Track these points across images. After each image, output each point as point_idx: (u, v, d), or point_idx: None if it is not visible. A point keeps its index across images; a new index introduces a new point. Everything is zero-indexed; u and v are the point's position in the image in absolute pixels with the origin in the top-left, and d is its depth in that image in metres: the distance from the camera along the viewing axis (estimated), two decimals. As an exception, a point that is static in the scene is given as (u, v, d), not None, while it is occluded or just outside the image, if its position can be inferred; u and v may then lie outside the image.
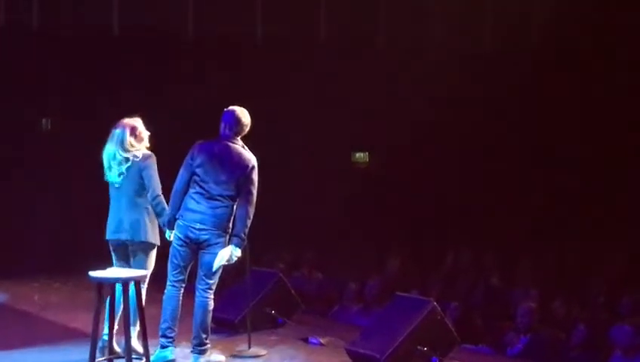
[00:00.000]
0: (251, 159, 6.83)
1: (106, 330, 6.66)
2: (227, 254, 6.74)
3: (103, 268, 6.64)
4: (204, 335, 6.85)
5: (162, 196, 7.00)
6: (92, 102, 12.41)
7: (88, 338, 6.49)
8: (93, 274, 6.35)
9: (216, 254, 6.73)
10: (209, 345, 6.93)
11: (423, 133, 13.92)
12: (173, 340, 6.92)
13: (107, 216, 7.18)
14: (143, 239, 6.98)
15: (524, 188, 14.00)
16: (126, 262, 7.10)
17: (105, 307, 6.54)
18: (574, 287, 10.62)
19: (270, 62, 13.40)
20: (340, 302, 10.67)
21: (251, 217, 6.79)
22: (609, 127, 13.48)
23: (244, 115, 6.90)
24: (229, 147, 6.81)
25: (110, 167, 7.05)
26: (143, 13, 13.08)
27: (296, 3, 13.79)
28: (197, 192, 6.77)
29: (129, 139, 6.98)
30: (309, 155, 13.81)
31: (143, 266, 6.99)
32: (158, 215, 7.00)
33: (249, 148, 7.21)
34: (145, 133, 7.13)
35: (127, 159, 6.97)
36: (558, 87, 13.77)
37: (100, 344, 6.65)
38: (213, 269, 6.79)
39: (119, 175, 7.01)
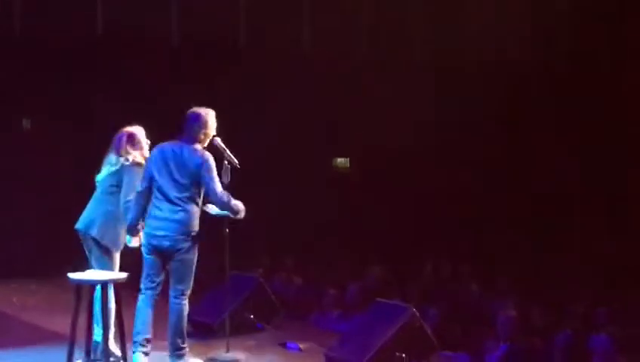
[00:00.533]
0: (204, 154, 6.65)
1: (98, 331, 6.65)
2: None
3: (82, 270, 6.61)
4: (179, 340, 6.73)
5: None
6: (72, 103, 12.40)
7: (67, 340, 6.46)
8: (72, 275, 6.32)
9: (183, 260, 6.59)
10: (186, 350, 6.81)
11: (403, 140, 13.95)
12: (145, 346, 6.70)
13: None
14: (93, 235, 6.91)
15: (503, 198, 14.04)
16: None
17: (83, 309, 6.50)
18: (553, 297, 10.67)
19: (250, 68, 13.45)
20: (320, 308, 10.66)
21: (230, 200, 6.65)
22: (585, 133, 13.54)
23: (205, 116, 6.74)
24: (182, 147, 6.65)
25: (102, 169, 7.07)
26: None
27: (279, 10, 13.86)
28: (156, 198, 6.64)
29: (125, 145, 6.98)
30: (288, 160, 13.82)
31: (102, 266, 6.90)
32: (126, 221, 6.91)
33: (231, 153, 7.21)
34: (144, 142, 7.09)
35: (118, 162, 6.96)
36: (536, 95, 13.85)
37: (92, 346, 6.66)
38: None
39: (106, 175, 7.01)
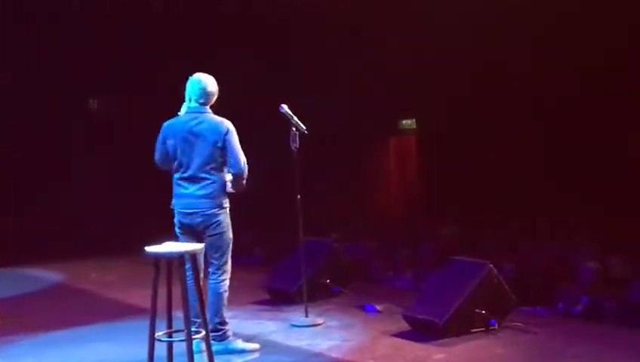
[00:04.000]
0: (224, 122, 6.36)
1: None
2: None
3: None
4: (217, 320, 6.40)
5: None
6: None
7: (146, 313, 6.51)
8: (149, 249, 6.33)
9: (217, 234, 6.33)
10: (227, 332, 6.48)
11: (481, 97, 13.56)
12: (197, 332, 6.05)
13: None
14: None
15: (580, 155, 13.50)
16: None
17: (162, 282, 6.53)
18: (630, 248, 10.46)
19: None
20: (393, 269, 10.65)
21: (245, 177, 6.31)
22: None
23: (209, 82, 6.44)
24: (197, 118, 6.36)
25: None
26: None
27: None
28: (180, 177, 6.37)
29: None
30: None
31: None
32: None
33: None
34: None
35: None
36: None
37: None
38: None
39: None
